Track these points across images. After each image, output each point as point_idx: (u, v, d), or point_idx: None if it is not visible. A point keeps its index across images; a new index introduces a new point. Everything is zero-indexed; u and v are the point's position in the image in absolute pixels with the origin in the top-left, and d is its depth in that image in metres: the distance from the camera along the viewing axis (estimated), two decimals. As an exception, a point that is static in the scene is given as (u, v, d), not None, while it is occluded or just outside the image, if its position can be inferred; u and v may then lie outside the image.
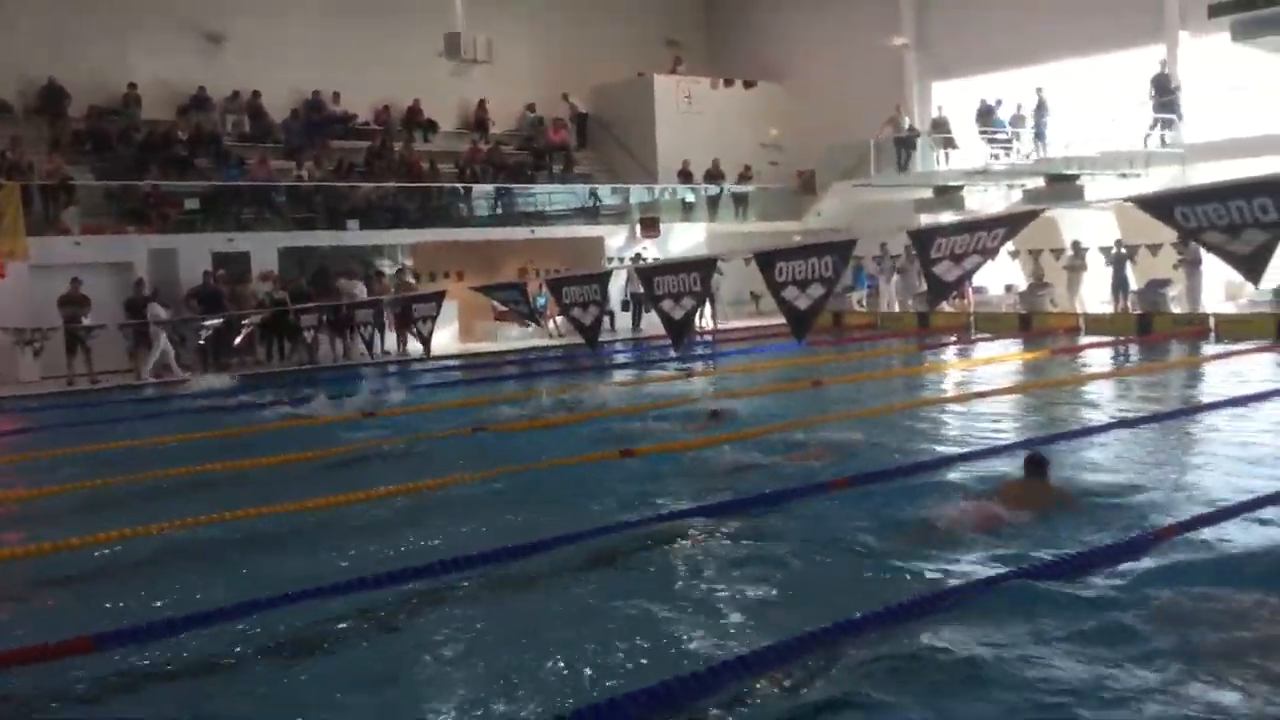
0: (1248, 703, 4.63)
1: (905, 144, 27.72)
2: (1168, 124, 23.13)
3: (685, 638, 5.63)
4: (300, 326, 15.61)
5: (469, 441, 11.63)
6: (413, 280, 23.43)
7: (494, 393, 16.41)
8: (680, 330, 6.47)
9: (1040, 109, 25.41)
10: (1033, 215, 5.85)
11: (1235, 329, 19.39)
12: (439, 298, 9.67)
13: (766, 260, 6.09)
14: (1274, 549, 6.51)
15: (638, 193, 28.92)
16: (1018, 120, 25.83)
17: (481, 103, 29.74)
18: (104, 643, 5.54)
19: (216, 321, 17.24)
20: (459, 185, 26.89)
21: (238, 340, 18.74)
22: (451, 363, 21.22)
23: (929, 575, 6.36)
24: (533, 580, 6.74)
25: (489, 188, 27.07)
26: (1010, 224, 5.64)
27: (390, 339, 21.87)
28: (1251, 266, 4.96)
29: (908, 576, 6.36)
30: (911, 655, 5.15)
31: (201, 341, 19.28)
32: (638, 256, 26.82)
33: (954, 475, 8.85)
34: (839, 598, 5.95)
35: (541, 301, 20.91)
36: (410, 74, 28.31)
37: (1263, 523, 7.09)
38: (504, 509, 8.64)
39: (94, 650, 5.55)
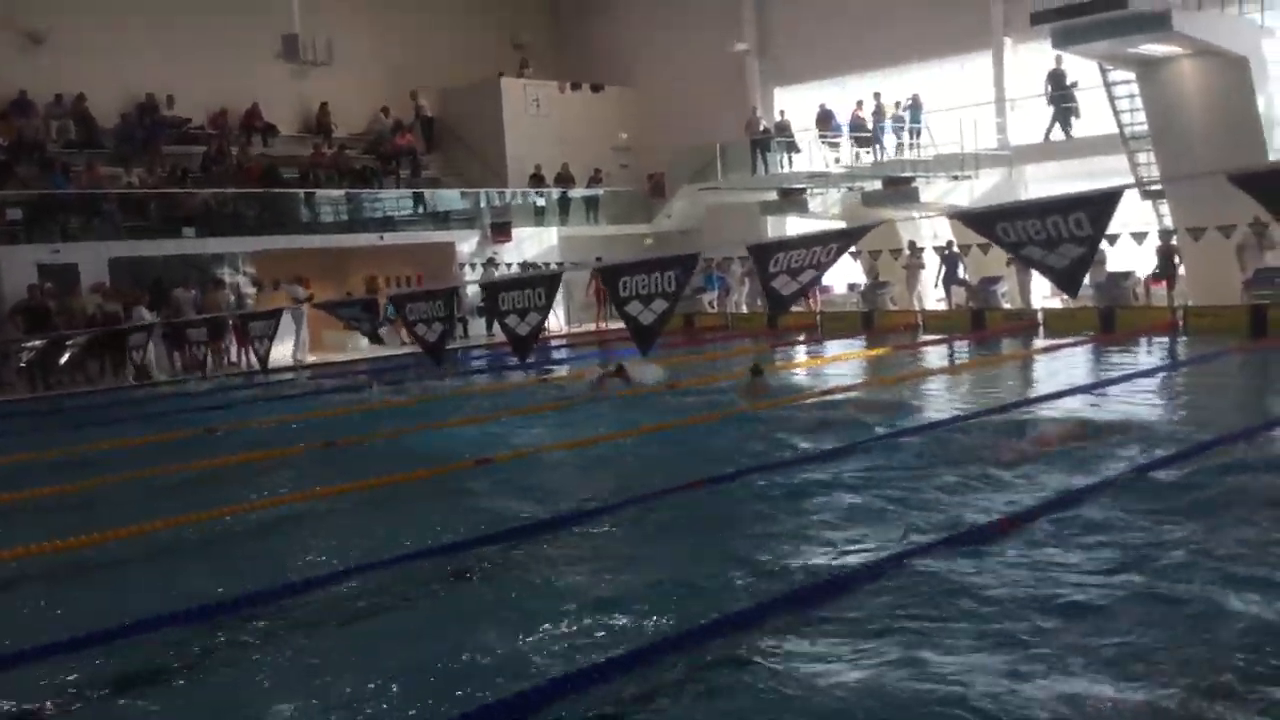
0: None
1: (760, 146, 28.27)
2: (1064, 119, 23.40)
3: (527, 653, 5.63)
4: (129, 345, 14.79)
5: (320, 456, 11.41)
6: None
7: (345, 404, 16.07)
8: (526, 343, 6.45)
9: (877, 114, 26.21)
10: (864, 230, 6.04)
11: (1061, 323, 20.43)
12: (277, 315, 9.41)
13: (610, 275, 6.12)
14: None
15: (488, 197, 28.71)
16: (858, 124, 26.53)
17: (324, 106, 29.02)
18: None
19: (40, 342, 16.21)
20: (300, 190, 26.16)
21: (64, 359, 17.78)
22: (302, 375, 20.69)
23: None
24: (379, 597, 6.62)
25: (334, 193, 26.44)
26: (843, 239, 5.82)
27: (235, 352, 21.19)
28: (1068, 279, 5.22)
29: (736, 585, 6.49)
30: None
31: (23, 363, 18.20)
32: (490, 262, 26.66)
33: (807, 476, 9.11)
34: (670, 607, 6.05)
35: (393, 311, 20.50)
36: (248, 76, 27.46)
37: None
38: (356, 524, 8.49)
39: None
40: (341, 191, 26.54)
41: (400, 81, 30.08)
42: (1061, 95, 23.06)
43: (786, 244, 5.62)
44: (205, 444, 12.71)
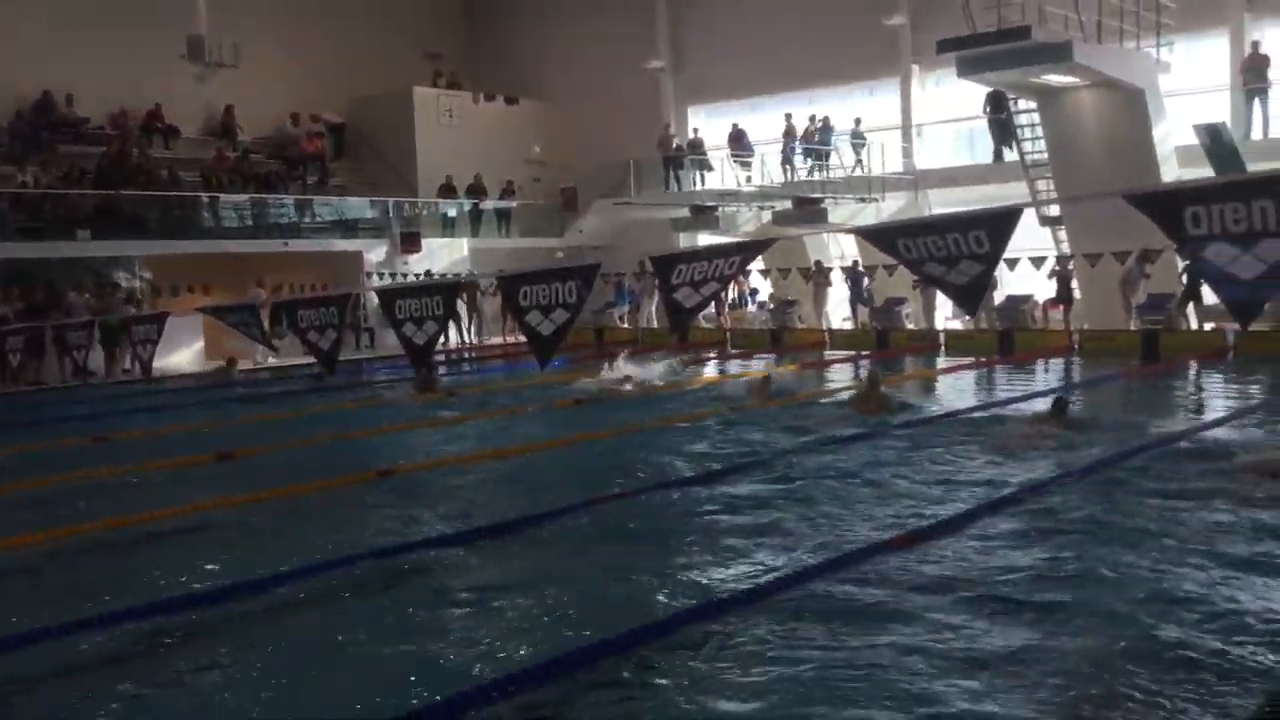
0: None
1: (673, 163, 28.38)
2: (1004, 139, 23.00)
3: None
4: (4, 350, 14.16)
5: (212, 468, 11.05)
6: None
7: (242, 414, 15.64)
8: (422, 354, 6.29)
9: (791, 135, 26.51)
10: (766, 244, 6.04)
11: (962, 344, 20.84)
12: (161, 319, 9.06)
13: (510, 285, 6.02)
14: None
15: (398, 206, 28.33)
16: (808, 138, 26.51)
17: (229, 109, 28.34)
18: None
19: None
20: (203, 195, 25.50)
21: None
22: (195, 383, 20.12)
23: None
24: (280, 611, 6.41)
25: (238, 198, 25.83)
26: (745, 252, 5.81)
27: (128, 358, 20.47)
28: (967, 297, 5.26)
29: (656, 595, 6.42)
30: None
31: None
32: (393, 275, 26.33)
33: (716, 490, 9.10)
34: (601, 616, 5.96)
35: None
36: (151, 77, 26.66)
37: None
38: (252, 538, 8.24)
39: None
40: (245, 196, 25.94)
41: (309, 87, 29.50)
42: (1000, 118, 22.92)
43: (689, 256, 5.59)
44: (92, 453, 12.25)
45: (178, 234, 23.89)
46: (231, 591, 6.59)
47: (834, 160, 25.64)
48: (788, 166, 26.46)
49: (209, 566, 7.37)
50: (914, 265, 5.25)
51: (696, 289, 5.54)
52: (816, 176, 25.51)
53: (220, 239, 24.86)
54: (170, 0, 25.52)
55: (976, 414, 12.92)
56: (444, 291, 6.36)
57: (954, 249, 5.07)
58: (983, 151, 24.26)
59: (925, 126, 26.08)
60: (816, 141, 26.05)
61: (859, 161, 25.36)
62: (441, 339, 5.79)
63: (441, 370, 20.24)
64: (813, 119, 26.20)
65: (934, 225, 5.27)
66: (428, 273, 26.17)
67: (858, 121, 25.76)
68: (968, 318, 22.29)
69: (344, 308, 6.91)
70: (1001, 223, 4.93)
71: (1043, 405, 12.40)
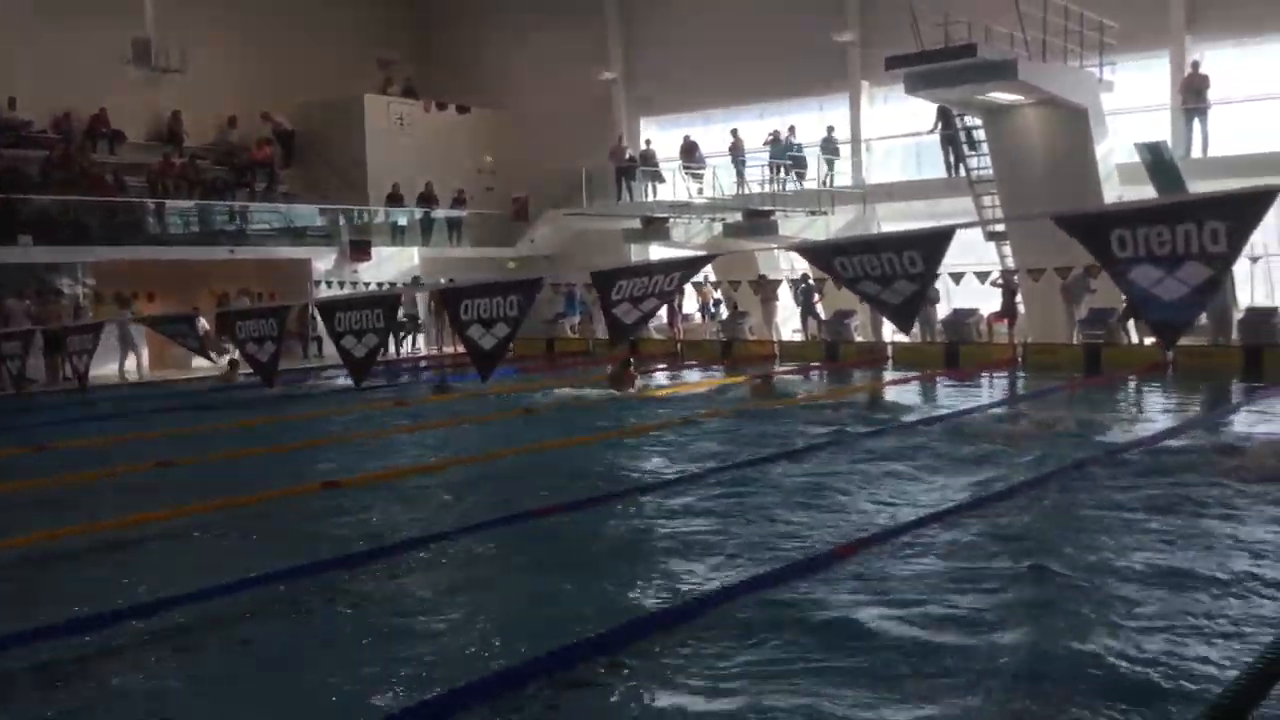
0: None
1: (625, 174, 28.44)
2: (957, 154, 22.94)
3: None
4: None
5: (154, 477, 10.93)
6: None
7: (185, 424, 15.44)
8: (362, 365, 6.26)
9: (736, 149, 26.67)
10: (705, 261, 6.08)
11: (910, 356, 21.06)
12: (97, 329, 8.92)
13: (452, 298, 6.00)
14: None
15: (348, 214, 28.13)
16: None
17: (175, 114, 28.00)
18: None
19: None
20: (148, 200, 25.16)
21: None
22: (140, 392, 19.81)
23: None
24: (217, 626, 6.34)
25: (184, 204, 25.52)
26: (684, 269, 5.85)
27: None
28: (902, 315, 5.33)
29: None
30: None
31: None
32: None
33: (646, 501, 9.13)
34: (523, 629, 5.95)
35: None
36: (96, 80, 26.25)
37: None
38: (189, 550, 8.16)
39: None
40: (192, 203, 25.64)
41: (258, 93, 29.23)
42: (950, 134, 22.98)
43: (629, 272, 5.61)
44: (29, 463, 12.05)
45: (122, 240, 23.55)
46: (127, 614, 6.45)
47: (784, 173, 25.82)
48: (738, 179, 26.60)
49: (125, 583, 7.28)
50: (851, 283, 5.30)
51: (636, 305, 5.57)
52: (788, 188, 25.49)
53: (166, 245, 24.53)
54: (117, 3, 25.19)
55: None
56: (384, 304, 6.35)
57: (889, 268, 5.14)
58: (930, 167, 24.55)
59: (874, 142, 26.33)
60: (779, 153, 26.16)
61: (831, 172, 25.53)
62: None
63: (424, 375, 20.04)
64: (791, 130, 26.24)
65: (870, 244, 5.34)
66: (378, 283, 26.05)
67: (830, 130, 25.94)
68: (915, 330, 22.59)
69: (283, 319, 6.86)
70: (935, 243, 5.01)
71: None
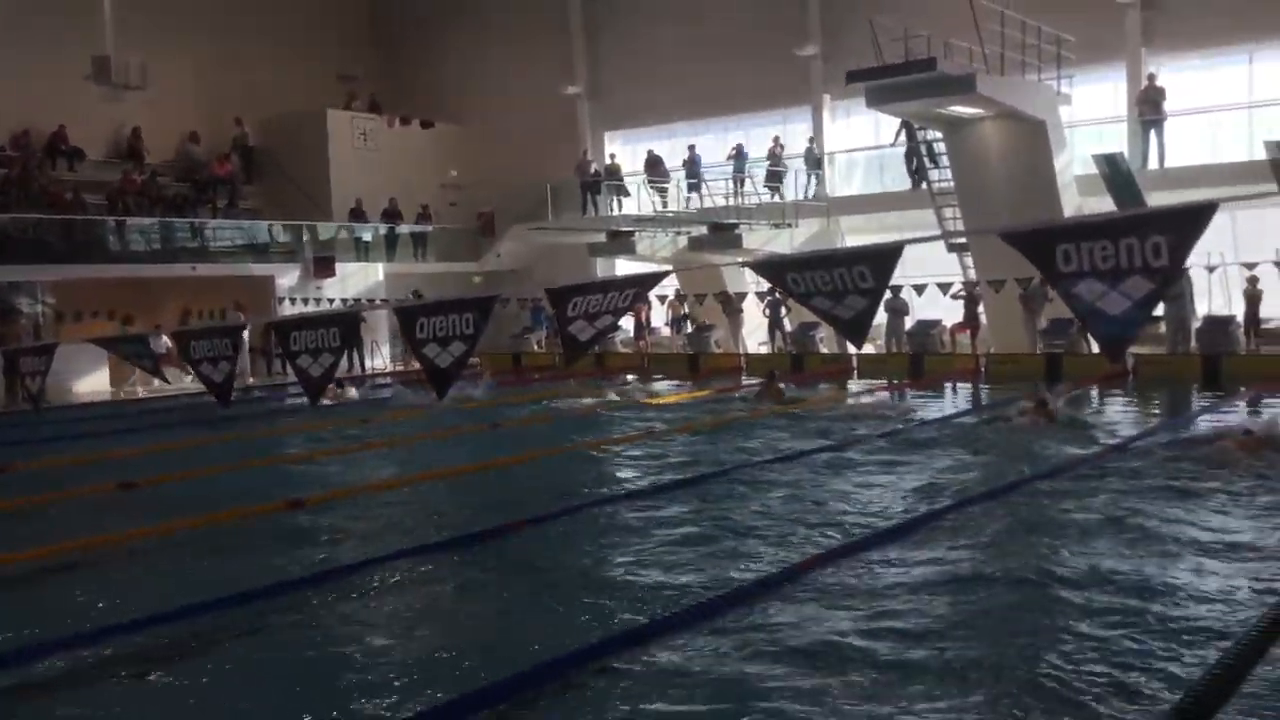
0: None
1: (590, 188, 28.47)
2: (920, 167, 23.15)
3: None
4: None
5: (115, 499, 10.80)
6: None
7: (145, 444, 15.28)
8: (318, 384, 6.23)
9: (695, 163, 26.83)
10: (659, 277, 6.11)
11: (874, 367, 21.20)
12: (50, 350, 8.81)
13: (406, 316, 5.99)
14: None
15: (311, 230, 27.97)
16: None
17: (135, 131, 27.77)
18: None
19: None
20: (109, 218, 24.91)
21: None
22: (97, 413, 19.59)
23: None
24: (177, 648, 6.25)
25: (145, 221, 25.29)
26: (639, 285, 5.87)
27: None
28: (853, 330, 5.37)
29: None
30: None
31: None
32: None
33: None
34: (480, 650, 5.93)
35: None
36: (55, 97, 25.97)
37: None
38: (150, 570, 8.09)
39: None
40: (153, 220, 25.42)
41: (219, 108, 29.05)
42: (913, 147, 23.20)
43: (583, 289, 5.62)
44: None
45: (82, 258, 23.32)
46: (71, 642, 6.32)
47: (749, 187, 25.92)
48: (689, 194, 26.70)
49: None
50: (803, 299, 5.34)
51: (591, 322, 5.58)
52: (772, 200, 25.55)
53: (126, 263, 24.30)
54: (77, 20, 24.99)
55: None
56: (341, 323, 6.33)
57: (840, 284, 5.18)
58: (892, 179, 24.75)
59: (838, 155, 26.48)
60: (741, 167, 26.27)
61: (818, 184, 25.63)
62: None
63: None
64: (777, 140, 26.31)
65: (822, 260, 5.38)
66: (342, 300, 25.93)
67: (811, 141, 26.03)
68: (879, 341, 22.76)
69: (238, 338, 6.81)
70: (885, 260, 5.06)
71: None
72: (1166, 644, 5.69)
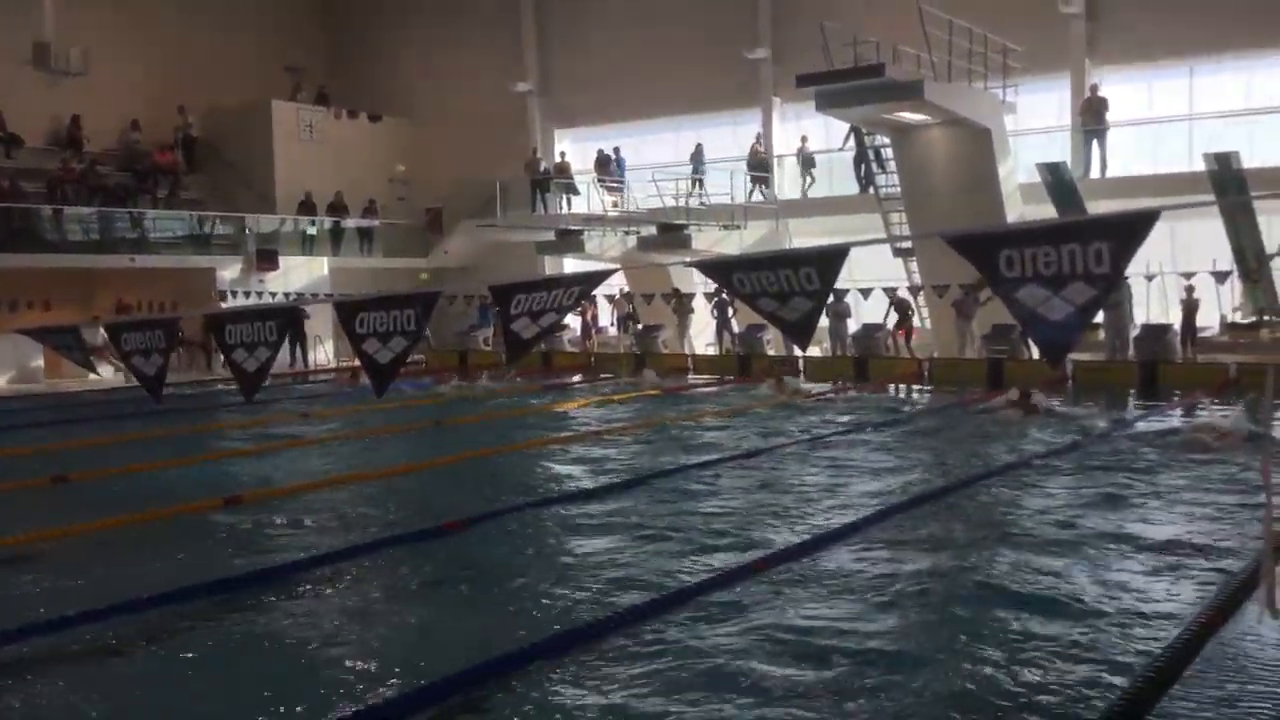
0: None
1: (540, 186, 28.36)
2: (867, 172, 23.32)
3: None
4: None
5: (48, 493, 10.63)
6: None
7: (79, 436, 14.96)
8: (254, 380, 6.11)
9: (620, 166, 27.16)
10: (604, 276, 6.06)
11: (820, 369, 21.31)
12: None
13: (347, 311, 5.90)
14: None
15: (255, 222, 27.56)
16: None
17: (75, 118, 27.18)
18: None
19: None
20: (45, 206, 24.36)
21: None
22: (31, 404, 19.15)
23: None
24: (95, 651, 6.08)
25: (83, 210, 24.76)
26: (584, 283, 5.82)
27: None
28: (799, 332, 5.34)
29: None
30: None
31: None
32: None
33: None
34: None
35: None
36: (-8, 82, 25.43)
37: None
38: (77, 569, 7.86)
39: None
40: (92, 209, 24.90)
41: (161, 97, 28.51)
42: (862, 151, 23.26)
43: (527, 286, 5.56)
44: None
45: (18, 247, 22.80)
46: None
47: (709, 187, 25.90)
48: (619, 194, 26.93)
49: None
50: (749, 300, 5.31)
51: (535, 320, 5.52)
52: (754, 198, 25.56)
53: (64, 253, 23.78)
54: (17, 4, 24.42)
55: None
56: (278, 317, 6.21)
57: (786, 285, 5.15)
58: (839, 183, 24.91)
59: (786, 158, 26.60)
60: (699, 168, 26.33)
61: (811, 182, 25.66)
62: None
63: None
64: (759, 138, 26.30)
65: (768, 261, 5.35)
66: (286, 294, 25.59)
67: (804, 139, 26.05)
68: (826, 344, 22.87)
69: (172, 330, 6.66)
70: (830, 261, 5.05)
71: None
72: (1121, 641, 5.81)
